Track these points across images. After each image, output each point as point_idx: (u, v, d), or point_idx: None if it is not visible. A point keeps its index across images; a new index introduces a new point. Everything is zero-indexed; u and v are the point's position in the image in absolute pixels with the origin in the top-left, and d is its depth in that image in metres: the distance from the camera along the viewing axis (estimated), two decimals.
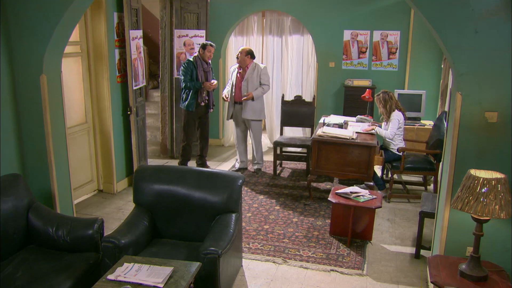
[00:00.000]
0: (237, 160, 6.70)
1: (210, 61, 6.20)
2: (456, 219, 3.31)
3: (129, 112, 5.67)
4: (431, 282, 2.98)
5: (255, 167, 6.48)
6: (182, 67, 6.10)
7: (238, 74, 6.17)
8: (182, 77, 6.06)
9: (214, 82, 6.18)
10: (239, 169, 6.59)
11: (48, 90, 3.82)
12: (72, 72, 5.15)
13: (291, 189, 5.90)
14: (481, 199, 2.77)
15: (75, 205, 4.48)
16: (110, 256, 3.15)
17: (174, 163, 6.79)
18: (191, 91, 6.04)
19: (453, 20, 3.10)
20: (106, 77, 5.37)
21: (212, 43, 6.14)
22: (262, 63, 6.40)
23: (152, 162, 6.85)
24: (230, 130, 8.19)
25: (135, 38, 5.67)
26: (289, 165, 6.90)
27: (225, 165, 6.87)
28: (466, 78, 3.15)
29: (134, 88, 5.66)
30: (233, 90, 6.21)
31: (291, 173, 6.58)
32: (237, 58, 6.15)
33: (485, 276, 2.94)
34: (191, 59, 6.08)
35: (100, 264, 3.26)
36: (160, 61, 7.02)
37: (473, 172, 2.86)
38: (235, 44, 8.00)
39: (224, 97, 6.33)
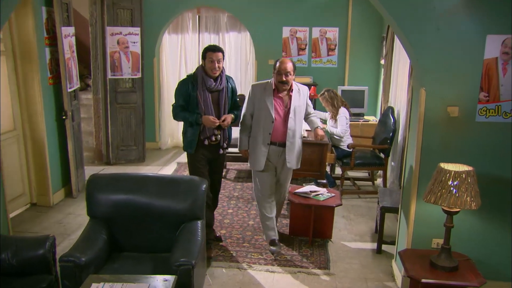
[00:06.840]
0: (265, 234, 4.29)
1: (225, 74, 3.97)
2: (422, 212, 3.39)
3: (64, 117, 5.18)
4: (408, 276, 3.00)
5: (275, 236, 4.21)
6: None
7: (277, 101, 3.98)
8: (173, 105, 4.03)
9: (226, 119, 3.89)
10: (273, 241, 4.16)
11: None
12: None
13: (241, 191, 5.75)
14: (454, 191, 2.84)
15: None
16: (70, 277, 2.83)
17: (111, 169, 6.34)
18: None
19: (416, 18, 3.17)
20: (37, 78, 4.87)
21: (213, 46, 3.88)
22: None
23: (87, 169, 6.35)
24: (166, 132, 7.83)
25: (68, 36, 5.21)
26: (234, 166, 6.74)
27: (166, 169, 6.52)
28: (429, 74, 3.23)
29: (69, 90, 5.19)
30: (270, 125, 3.97)
31: (237, 174, 6.44)
32: (285, 82, 3.86)
33: (456, 266, 3.02)
34: (189, 74, 3.98)
35: (55, 287, 2.92)
36: (91, 61, 6.53)
37: (443, 165, 2.92)
38: (169, 43, 7.67)
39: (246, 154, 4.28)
